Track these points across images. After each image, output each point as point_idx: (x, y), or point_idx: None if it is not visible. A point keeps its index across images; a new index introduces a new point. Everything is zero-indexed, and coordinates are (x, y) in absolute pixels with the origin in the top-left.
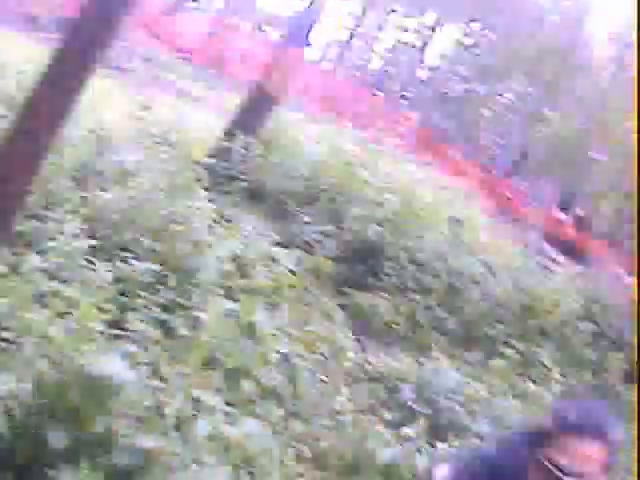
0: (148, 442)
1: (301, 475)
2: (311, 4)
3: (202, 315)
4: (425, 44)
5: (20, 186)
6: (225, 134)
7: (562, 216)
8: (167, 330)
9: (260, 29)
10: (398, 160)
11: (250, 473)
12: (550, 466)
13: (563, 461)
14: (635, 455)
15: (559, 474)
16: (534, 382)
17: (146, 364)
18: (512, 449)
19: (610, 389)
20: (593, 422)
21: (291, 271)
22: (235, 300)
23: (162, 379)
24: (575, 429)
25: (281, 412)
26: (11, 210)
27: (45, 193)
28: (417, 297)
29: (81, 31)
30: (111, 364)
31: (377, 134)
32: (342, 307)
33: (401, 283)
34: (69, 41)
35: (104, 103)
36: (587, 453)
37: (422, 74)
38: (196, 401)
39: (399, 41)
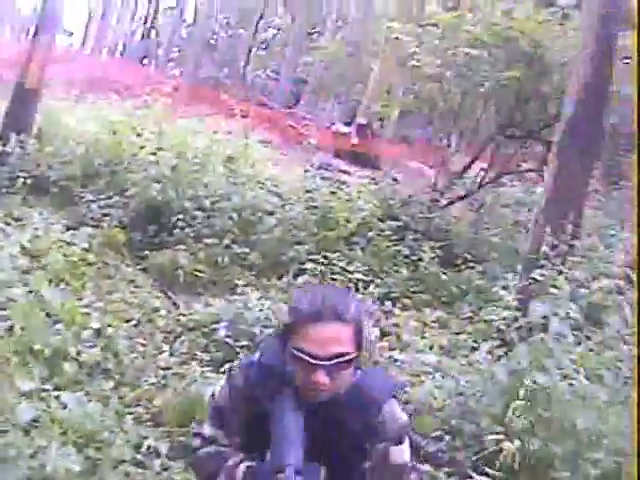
0: None
1: (145, 437)
2: None
3: (7, 312)
4: (180, 4)
5: None
6: None
7: (344, 129)
8: None
9: (25, 31)
10: (169, 118)
11: (96, 448)
12: (300, 354)
13: (309, 348)
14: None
15: (309, 359)
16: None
17: None
18: (271, 348)
19: (428, 276)
20: (326, 306)
21: (84, 249)
22: (35, 290)
23: None
24: (309, 316)
25: (110, 384)
26: None
27: None
28: (213, 241)
29: None
30: None
31: (145, 99)
32: (144, 270)
33: (194, 232)
34: None
35: None
36: (327, 335)
37: (183, 32)
38: (22, 393)
39: (155, 6)
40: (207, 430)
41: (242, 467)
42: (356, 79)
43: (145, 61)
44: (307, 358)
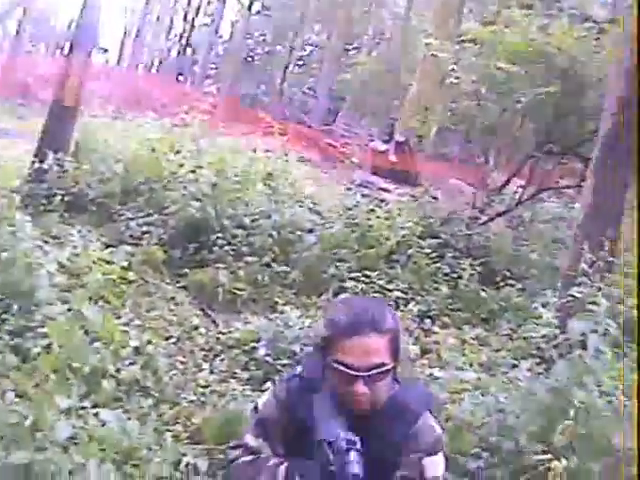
0: (24, 458)
1: (183, 455)
2: (83, 9)
3: (47, 330)
4: (216, 21)
5: None
6: (36, 156)
7: (383, 147)
8: (22, 352)
9: (61, 47)
10: (207, 135)
11: (135, 466)
12: (338, 366)
13: (347, 359)
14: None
15: (348, 371)
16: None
17: (11, 390)
18: (312, 361)
19: (467, 294)
20: (363, 318)
21: (124, 267)
22: (74, 309)
23: (27, 397)
24: (347, 328)
25: (149, 401)
26: None
27: None
28: (252, 259)
29: None
30: None
31: (182, 117)
32: (184, 288)
33: (234, 250)
34: None
35: None
36: (365, 346)
37: (220, 49)
38: (61, 410)
39: (190, 23)
40: (250, 441)
41: (284, 466)
42: (393, 96)
43: (181, 78)
44: (346, 370)
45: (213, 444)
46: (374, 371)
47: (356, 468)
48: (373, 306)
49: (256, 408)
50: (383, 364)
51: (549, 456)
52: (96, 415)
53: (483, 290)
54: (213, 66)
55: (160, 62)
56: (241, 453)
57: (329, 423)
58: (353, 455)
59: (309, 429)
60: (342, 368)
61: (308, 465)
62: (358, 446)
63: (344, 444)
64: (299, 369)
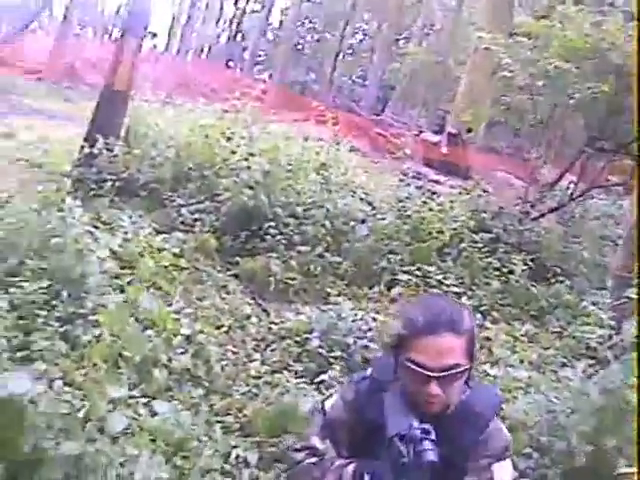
0: (74, 449)
1: (234, 447)
2: None
3: (99, 317)
4: (267, 7)
5: None
6: (86, 141)
7: (434, 138)
8: (72, 340)
9: (109, 32)
10: (259, 122)
11: (185, 457)
12: (413, 366)
13: (423, 359)
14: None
15: (423, 371)
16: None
17: (59, 378)
18: (383, 363)
19: (518, 289)
20: (441, 317)
21: (175, 254)
22: (126, 295)
23: (76, 386)
24: (424, 328)
25: (200, 392)
26: None
27: None
28: (305, 248)
29: None
30: (19, 384)
31: (234, 103)
32: (235, 277)
33: (286, 239)
34: None
35: None
36: (441, 347)
37: (270, 35)
38: (111, 400)
39: (241, 10)
40: (316, 443)
41: (352, 466)
42: (443, 87)
43: (230, 64)
44: (421, 370)
45: (264, 437)
46: (449, 372)
47: (431, 455)
48: (451, 306)
49: (322, 410)
50: (458, 365)
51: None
52: (147, 405)
53: (533, 286)
54: (263, 53)
55: (209, 48)
56: (305, 456)
57: (401, 418)
58: (428, 443)
59: (378, 429)
60: (416, 368)
61: (377, 464)
62: (432, 436)
63: (418, 433)
64: (368, 370)
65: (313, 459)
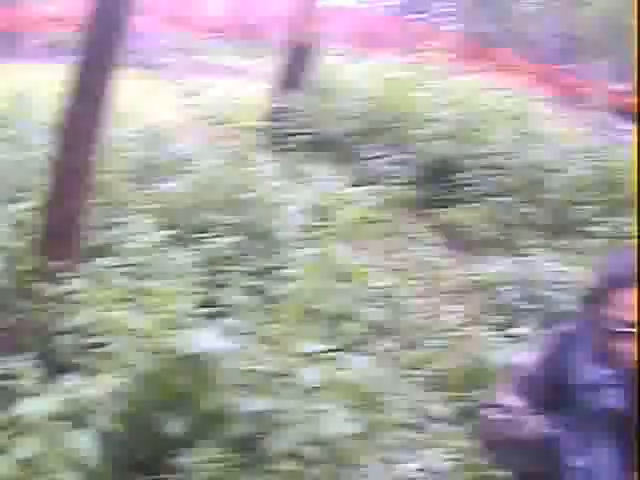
0: (261, 405)
1: (425, 401)
2: None
3: (292, 271)
4: None
5: (79, 201)
6: (275, 95)
7: (621, 87)
8: (262, 295)
9: None
10: (448, 74)
11: (375, 412)
12: (612, 322)
13: (623, 315)
14: None
15: (620, 326)
16: None
17: (247, 333)
18: (579, 316)
19: None
20: (632, 272)
21: (370, 207)
22: (321, 248)
23: (265, 341)
24: (620, 281)
25: (389, 344)
26: (77, 227)
27: (109, 199)
28: (499, 199)
29: (89, 38)
30: (207, 340)
31: (423, 55)
32: (429, 229)
33: (480, 190)
34: (81, 51)
35: (150, 100)
36: (633, 302)
37: None
38: (301, 354)
39: None
40: (508, 399)
41: (545, 422)
42: (630, 37)
43: (418, 16)
44: (617, 325)
45: (456, 391)
46: None
47: (616, 401)
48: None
49: (515, 365)
50: None
51: None
52: (340, 359)
53: None
54: (451, 4)
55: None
56: (498, 412)
57: (593, 370)
58: (616, 392)
59: (571, 385)
60: (613, 322)
61: (570, 419)
62: (622, 384)
63: (606, 379)
64: (563, 324)
65: (505, 415)
